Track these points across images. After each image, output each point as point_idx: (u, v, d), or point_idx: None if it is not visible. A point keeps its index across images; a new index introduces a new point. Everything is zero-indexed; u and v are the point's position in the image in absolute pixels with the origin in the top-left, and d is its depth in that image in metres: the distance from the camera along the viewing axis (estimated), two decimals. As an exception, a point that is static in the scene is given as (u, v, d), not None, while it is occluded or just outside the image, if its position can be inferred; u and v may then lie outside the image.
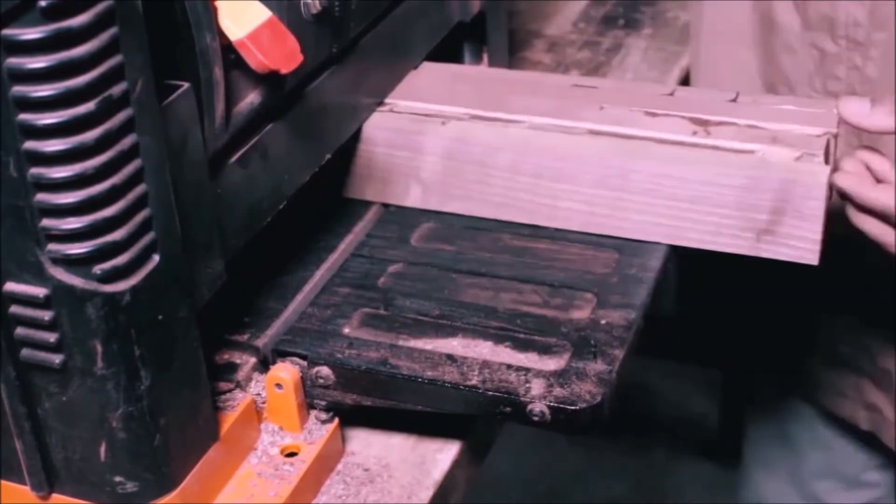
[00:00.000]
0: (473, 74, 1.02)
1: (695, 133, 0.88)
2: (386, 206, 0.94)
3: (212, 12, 0.67)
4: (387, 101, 0.95)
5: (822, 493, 1.37)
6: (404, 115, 0.93)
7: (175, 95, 0.66)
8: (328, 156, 0.85)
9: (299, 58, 0.73)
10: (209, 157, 0.70)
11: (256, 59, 0.71)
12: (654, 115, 0.91)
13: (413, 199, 0.93)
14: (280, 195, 0.80)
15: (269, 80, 0.74)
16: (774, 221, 0.84)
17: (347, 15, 0.83)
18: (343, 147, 0.89)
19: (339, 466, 0.78)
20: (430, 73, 0.99)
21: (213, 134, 0.70)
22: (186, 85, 0.67)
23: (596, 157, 0.87)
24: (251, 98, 0.74)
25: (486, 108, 0.93)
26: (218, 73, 0.68)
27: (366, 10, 0.86)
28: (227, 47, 0.69)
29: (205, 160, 0.70)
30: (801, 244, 0.84)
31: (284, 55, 0.72)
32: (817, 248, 0.84)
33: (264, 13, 0.71)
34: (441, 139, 0.91)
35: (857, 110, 0.87)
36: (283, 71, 0.73)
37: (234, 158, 0.74)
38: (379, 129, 0.92)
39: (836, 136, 0.88)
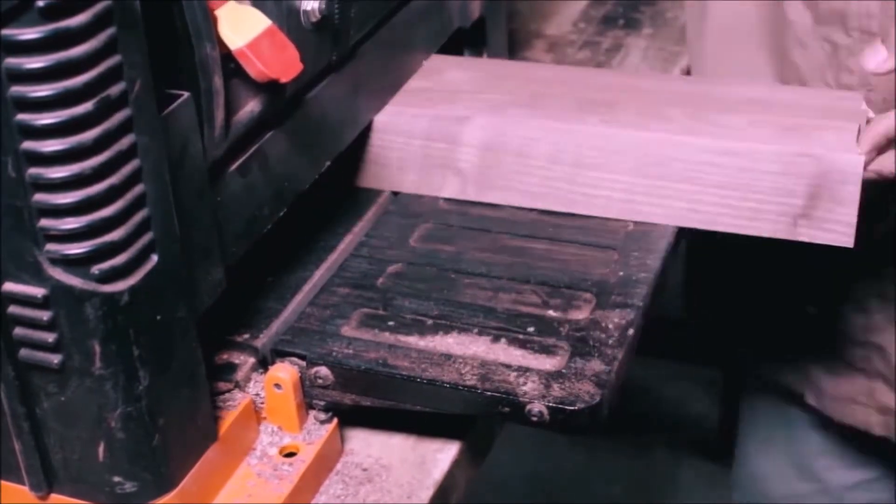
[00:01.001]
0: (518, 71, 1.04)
1: (733, 125, 0.90)
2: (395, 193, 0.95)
3: (211, 22, 0.67)
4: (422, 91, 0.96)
5: (821, 471, 1.36)
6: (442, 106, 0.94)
7: (175, 104, 0.66)
8: (328, 163, 0.86)
9: (299, 66, 0.74)
10: (209, 166, 0.70)
11: (256, 68, 0.71)
12: (691, 108, 0.93)
13: (450, 190, 0.94)
14: (280, 202, 0.80)
15: (269, 89, 0.74)
16: (811, 206, 0.85)
17: (347, 23, 0.83)
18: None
19: (339, 466, 0.78)
20: (467, 66, 1.01)
21: (212, 142, 0.70)
22: (186, 94, 0.67)
23: (635, 146, 0.89)
24: (251, 106, 0.74)
25: (524, 99, 0.95)
26: (218, 82, 0.68)
27: (365, 17, 0.86)
28: (227, 56, 0.69)
29: (205, 168, 0.70)
30: (838, 227, 0.85)
31: (284, 64, 0.72)
32: (852, 231, 0.86)
33: (264, 22, 0.71)
34: (480, 130, 0.92)
35: (876, 58, 0.90)
36: (283, 80, 0.73)
37: (233, 166, 0.74)
38: (416, 118, 0.93)
39: (867, 122, 0.90)
